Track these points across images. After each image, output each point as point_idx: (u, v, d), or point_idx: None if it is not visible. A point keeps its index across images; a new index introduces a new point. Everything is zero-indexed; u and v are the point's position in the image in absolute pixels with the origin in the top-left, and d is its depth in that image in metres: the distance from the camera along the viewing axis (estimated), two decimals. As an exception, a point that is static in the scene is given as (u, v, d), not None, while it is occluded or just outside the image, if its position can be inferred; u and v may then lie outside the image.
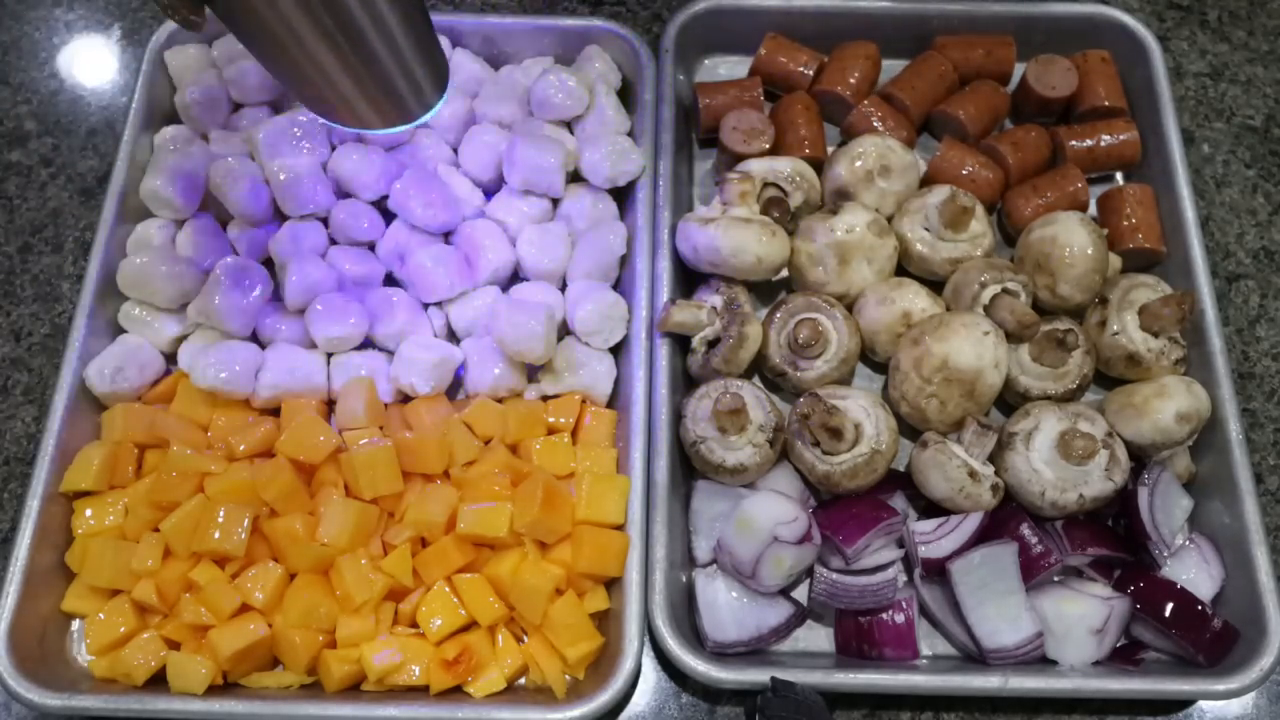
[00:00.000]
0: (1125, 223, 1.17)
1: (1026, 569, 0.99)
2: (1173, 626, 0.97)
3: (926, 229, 1.14)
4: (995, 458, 1.04)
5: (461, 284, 1.10)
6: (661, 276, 1.12)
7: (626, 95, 1.24)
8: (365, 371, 1.07)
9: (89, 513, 1.01)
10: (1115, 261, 1.15)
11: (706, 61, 1.33)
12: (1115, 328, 1.09)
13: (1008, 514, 1.03)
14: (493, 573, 0.99)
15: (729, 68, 1.32)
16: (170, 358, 1.11)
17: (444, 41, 1.23)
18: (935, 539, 1.00)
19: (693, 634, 1.00)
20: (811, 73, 1.26)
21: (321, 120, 1.12)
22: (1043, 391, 1.07)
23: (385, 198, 1.14)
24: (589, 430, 1.07)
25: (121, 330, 1.11)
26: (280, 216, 1.15)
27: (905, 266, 1.16)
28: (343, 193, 1.16)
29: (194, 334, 1.10)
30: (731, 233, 1.07)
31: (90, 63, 1.34)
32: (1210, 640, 0.97)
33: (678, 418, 1.06)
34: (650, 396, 1.06)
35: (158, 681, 0.96)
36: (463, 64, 1.22)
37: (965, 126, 1.22)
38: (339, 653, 0.96)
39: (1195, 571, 1.02)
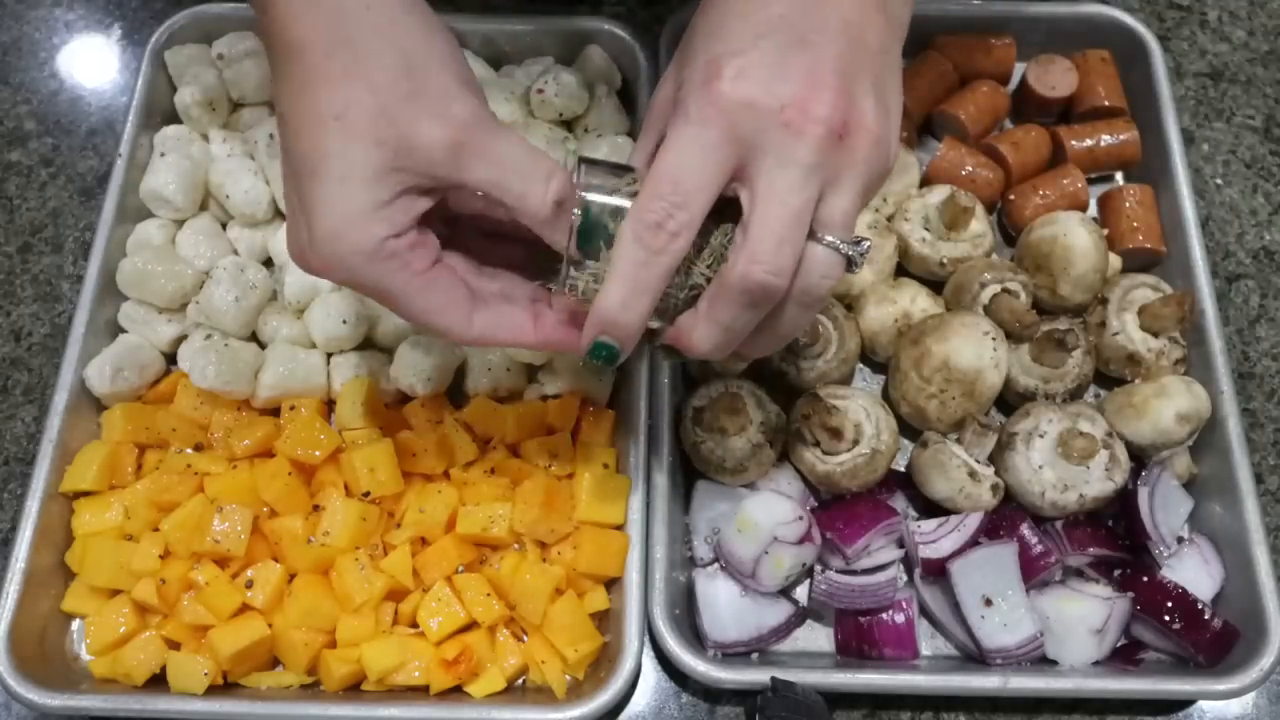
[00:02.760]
0: (1125, 223, 1.17)
1: (1026, 569, 0.99)
2: (1173, 626, 0.97)
3: (926, 229, 1.14)
4: (995, 458, 1.04)
5: (461, 284, 1.10)
6: (661, 276, 1.11)
7: (626, 95, 1.24)
8: (365, 371, 1.07)
9: (89, 513, 1.01)
10: (1115, 261, 1.15)
11: (706, 61, 1.32)
12: (1115, 328, 1.09)
13: (1008, 514, 1.03)
14: (493, 573, 0.99)
15: (729, 68, 1.32)
16: (170, 358, 1.11)
17: (444, 41, 1.23)
18: (935, 539, 1.00)
19: (693, 634, 1.00)
20: (811, 73, 1.26)
21: None
22: (1043, 391, 1.07)
23: (385, 198, 1.14)
24: (589, 430, 1.07)
25: (121, 330, 1.11)
26: (280, 216, 1.15)
27: (905, 266, 1.16)
28: (343, 193, 1.16)
29: (194, 334, 1.10)
30: (731, 233, 1.07)
31: (90, 63, 1.34)
32: (1210, 640, 0.97)
33: (678, 418, 1.06)
34: (650, 396, 1.06)
35: (158, 681, 0.96)
36: (463, 64, 1.22)
37: (965, 126, 1.22)
38: (339, 653, 0.96)
39: (1195, 571, 1.02)
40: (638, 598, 0.98)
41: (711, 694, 1.01)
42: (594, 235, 0.72)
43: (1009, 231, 1.21)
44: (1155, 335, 1.09)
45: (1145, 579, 1.00)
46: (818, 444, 1.03)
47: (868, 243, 0.73)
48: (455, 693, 0.97)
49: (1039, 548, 1.00)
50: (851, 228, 0.72)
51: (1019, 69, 1.28)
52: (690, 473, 1.08)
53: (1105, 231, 1.15)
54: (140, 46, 1.28)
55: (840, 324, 1.09)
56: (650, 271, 0.69)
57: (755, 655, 1.01)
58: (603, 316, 0.71)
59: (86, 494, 1.02)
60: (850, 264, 0.72)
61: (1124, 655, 1.01)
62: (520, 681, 1.00)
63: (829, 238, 0.71)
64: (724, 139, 0.68)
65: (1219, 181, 1.29)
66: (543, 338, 0.78)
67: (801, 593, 1.03)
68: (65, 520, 1.02)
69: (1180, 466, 1.07)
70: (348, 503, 0.99)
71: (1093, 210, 1.22)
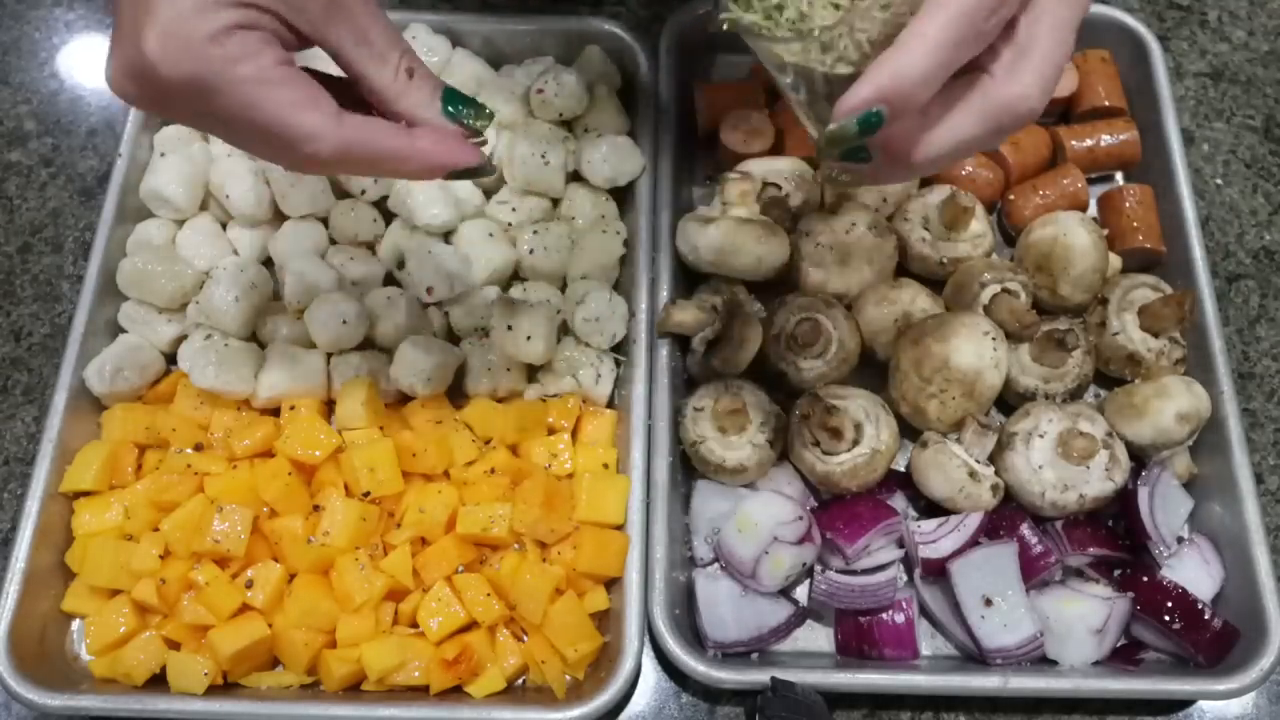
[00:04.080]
0: (1125, 223, 1.17)
1: (1026, 569, 0.99)
2: (1173, 626, 0.97)
3: (926, 229, 1.14)
4: (995, 458, 1.04)
5: (461, 284, 1.10)
6: (661, 276, 1.12)
7: (626, 95, 1.24)
8: (365, 371, 1.07)
9: (89, 513, 1.01)
10: (1115, 261, 1.15)
11: (707, 62, 1.32)
12: (1115, 328, 1.09)
13: (1008, 514, 1.03)
14: (493, 573, 0.99)
15: (729, 68, 1.32)
16: (170, 358, 1.11)
17: (444, 41, 1.23)
18: (935, 539, 1.00)
19: (693, 634, 1.00)
20: (811, 73, 1.26)
21: None
22: (1043, 391, 1.07)
23: (385, 198, 1.14)
24: (589, 430, 1.07)
25: (121, 330, 1.11)
26: (280, 216, 1.15)
27: (905, 266, 1.16)
28: (343, 193, 1.16)
29: (194, 334, 1.10)
30: (731, 233, 1.07)
31: (90, 63, 1.34)
32: (1210, 640, 0.97)
33: (678, 418, 1.06)
34: (650, 396, 1.06)
35: (158, 681, 0.96)
36: (463, 64, 1.22)
37: (965, 126, 1.22)
38: (339, 653, 0.96)
39: (1195, 571, 1.02)
40: (638, 598, 0.98)
41: (711, 694, 1.01)
42: None
43: (1009, 231, 1.21)
44: (1155, 335, 1.09)
45: (1145, 579, 1.00)
46: (818, 444, 1.03)
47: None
48: (455, 693, 0.97)
49: (1039, 548, 1.00)
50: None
51: (1019, 69, 1.28)
52: (690, 473, 1.08)
53: (1105, 231, 1.15)
54: (140, 46, 1.28)
55: (840, 324, 1.09)
56: (963, 54, 0.65)
57: (755, 655, 1.01)
58: (898, 85, 0.64)
59: (86, 494, 1.02)
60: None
61: (1124, 655, 1.01)
62: (520, 681, 1.00)
63: None
64: None
65: (1219, 181, 1.29)
66: (425, 150, 0.74)
67: (801, 593, 1.03)
68: (65, 520, 1.02)
69: (1180, 466, 1.07)
70: (348, 503, 0.99)
71: (1093, 210, 1.22)
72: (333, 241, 1.15)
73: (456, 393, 1.10)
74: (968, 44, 0.65)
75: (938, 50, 0.64)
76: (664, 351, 1.08)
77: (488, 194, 1.18)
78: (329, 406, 1.08)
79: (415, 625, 0.99)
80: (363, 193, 1.14)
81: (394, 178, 0.73)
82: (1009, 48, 0.68)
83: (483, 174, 0.78)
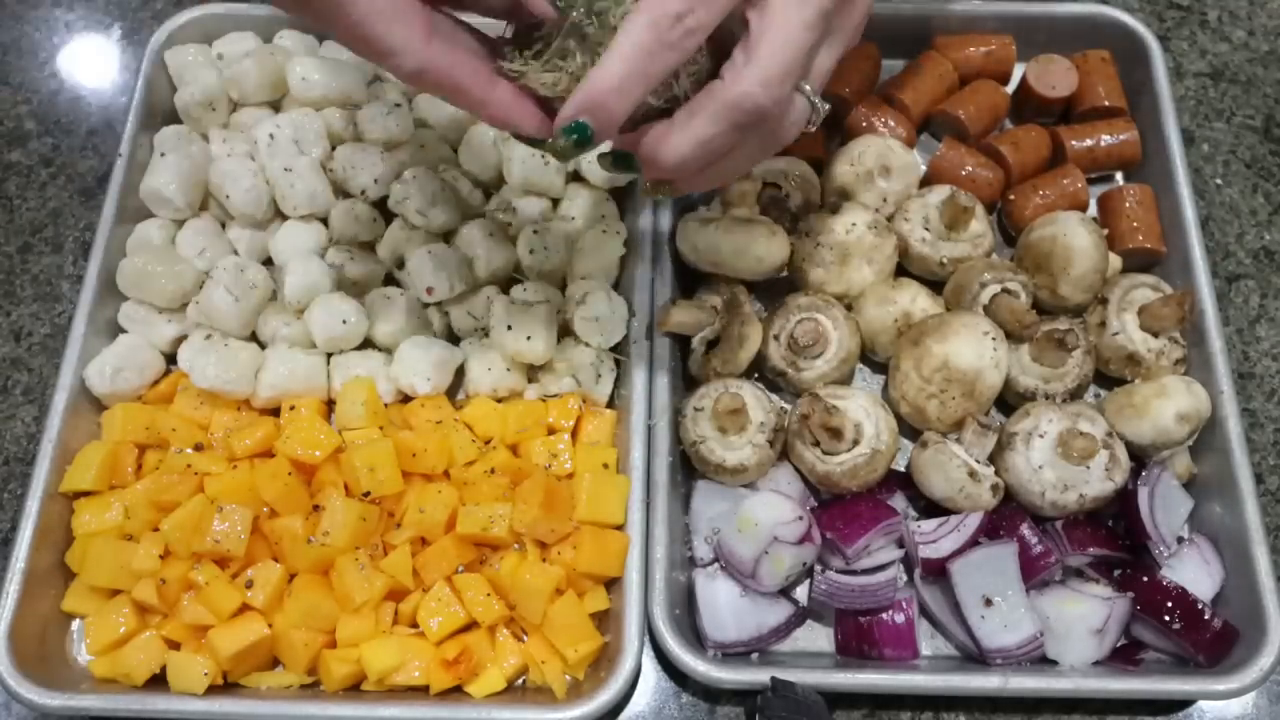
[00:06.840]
0: (1125, 223, 1.17)
1: (1026, 569, 0.99)
2: (1173, 626, 0.97)
3: (926, 229, 1.14)
4: (995, 458, 1.04)
5: (461, 284, 1.10)
6: (661, 276, 1.12)
7: (626, 95, 1.24)
8: (365, 371, 1.07)
9: (89, 513, 1.01)
10: (1115, 261, 1.15)
11: (706, 61, 1.32)
12: (1115, 328, 1.09)
13: (1008, 514, 1.03)
14: (493, 573, 0.99)
15: (729, 68, 1.32)
16: (170, 358, 1.11)
17: (444, 41, 1.23)
18: (935, 539, 1.00)
19: (693, 634, 1.00)
20: (811, 73, 1.26)
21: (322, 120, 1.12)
22: (1043, 391, 1.07)
23: (385, 198, 1.14)
24: (589, 430, 1.07)
25: (121, 330, 1.11)
26: (280, 216, 1.15)
27: (905, 266, 1.16)
28: (343, 193, 1.16)
29: (194, 334, 1.10)
30: (732, 233, 1.07)
31: (90, 63, 1.34)
32: (1210, 640, 0.97)
33: (678, 418, 1.06)
34: (650, 396, 1.06)
35: (158, 681, 0.96)
36: (463, 64, 1.22)
37: (965, 126, 1.22)
38: (339, 653, 0.96)
39: (1195, 571, 1.02)
40: (638, 598, 0.98)
41: (711, 694, 1.01)
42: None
43: (1009, 231, 1.21)
44: (1155, 335, 1.09)
45: (1145, 579, 1.00)
46: (818, 444, 1.03)
47: (828, 106, 0.75)
48: (455, 693, 0.97)
49: (1039, 548, 1.00)
50: (823, 86, 0.74)
51: (1019, 69, 1.28)
52: (690, 473, 1.08)
53: (1105, 231, 1.15)
54: (140, 46, 1.29)
55: (840, 324, 1.09)
56: (655, 63, 0.68)
57: (755, 655, 1.01)
58: (592, 97, 0.69)
59: (86, 494, 1.02)
60: (811, 121, 0.75)
61: (1124, 655, 1.01)
62: (520, 681, 1.00)
63: (808, 88, 0.72)
64: None
65: (1219, 181, 1.29)
66: (497, 101, 0.75)
67: (801, 593, 1.03)
68: (65, 520, 1.02)
69: (1180, 466, 1.07)
70: (348, 503, 0.99)
71: (1093, 210, 1.22)
72: (333, 241, 1.15)
73: (456, 392, 1.10)
74: (659, 54, 0.68)
75: (626, 61, 0.68)
76: (664, 352, 1.08)
77: (487, 194, 1.18)
78: (329, 406, 1.08)
79: (415, 625, 0.99)
80: (363, 193, 1.14)
81: (470, 113, 0.76)
82: (741, 50, 0.70)
83: (549, 149, 0.76)
